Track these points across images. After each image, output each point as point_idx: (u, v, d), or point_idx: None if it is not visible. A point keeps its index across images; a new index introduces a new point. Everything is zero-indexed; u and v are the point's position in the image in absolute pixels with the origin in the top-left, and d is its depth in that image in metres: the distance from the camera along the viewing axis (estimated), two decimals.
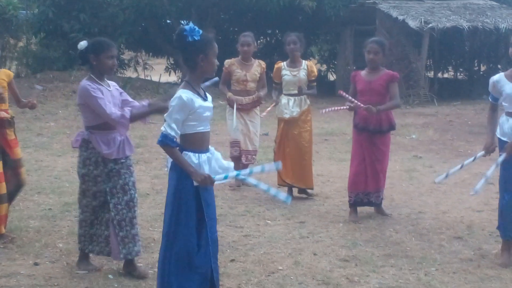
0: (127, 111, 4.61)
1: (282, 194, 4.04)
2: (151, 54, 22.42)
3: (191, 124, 3.86)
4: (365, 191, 6.54)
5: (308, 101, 7.45)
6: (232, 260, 5.22)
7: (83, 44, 4.75)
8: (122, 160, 4.77)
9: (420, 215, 6.69)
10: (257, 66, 7.92)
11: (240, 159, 7.90)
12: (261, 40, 22.10)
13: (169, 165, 3.98)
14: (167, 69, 22.54)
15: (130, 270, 4.87)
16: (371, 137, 6.44)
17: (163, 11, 19.17)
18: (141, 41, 21.01)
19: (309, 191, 7.54)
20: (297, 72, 7.35)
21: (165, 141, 3.81)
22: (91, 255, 5.06)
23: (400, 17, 17.99)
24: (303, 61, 7.50)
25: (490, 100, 5.58)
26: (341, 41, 20.69)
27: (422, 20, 17.77)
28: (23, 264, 5.10)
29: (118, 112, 4.59)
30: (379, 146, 6.49)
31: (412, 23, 17.67)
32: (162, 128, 3.82)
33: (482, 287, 4.70)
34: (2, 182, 5.50)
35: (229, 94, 7.79)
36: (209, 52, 3.90)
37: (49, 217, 6.38)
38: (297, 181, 7.40)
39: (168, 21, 21.34)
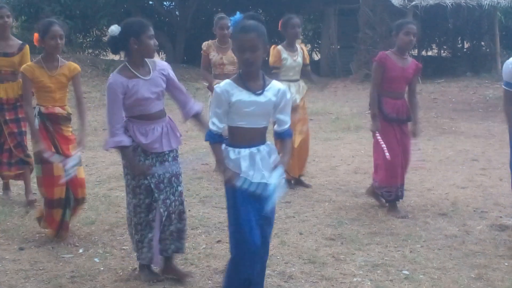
0: (119, 140, 4.15)
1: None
2: None
3: (231, 117, 3.66)
4: (399, 184, 6.01)
5: (306, 87, 7.23)
6: (219, 241, 5.22)
7: (115, 29, 4.24)
8: (166, 152, 4.33)
9: (405, 193, 6.71)
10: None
11: None
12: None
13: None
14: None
15: (169, 273, 4.46)
16: (401, 126, 5.97)
17: None
18: None
19: (303, 179, 7.24)
20: (296, 56, 7.02)
21: (207, 138, 3.68)
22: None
23: None
24: (297, 44, 7.18)
25: (506, 87, 5.30)
26: (324, 20, 20.67)
27: None
28: (8, 249, 5.06)
29: (116, 138, 4.16)
30: (408, 134, 6.04)
31: (396, 1, 17.67)
32: (209, 122, 3.69)
33: (467, 263, 4.74)
34: (57, 186, 5.11)
35: (213, 81, 7.33)
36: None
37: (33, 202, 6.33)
38: (299, 169, 7.09)
39: (150, 2, 21.19)
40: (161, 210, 4.28)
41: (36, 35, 5.19)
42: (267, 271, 4.25)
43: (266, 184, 3.63)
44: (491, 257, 4.86)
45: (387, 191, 5.97)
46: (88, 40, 22.49)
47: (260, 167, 3.65)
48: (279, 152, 3.81)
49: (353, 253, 4.96)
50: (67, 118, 5.25)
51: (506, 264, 4.74)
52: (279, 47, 7.00)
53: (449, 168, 7.90)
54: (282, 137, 3.84)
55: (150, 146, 4.24)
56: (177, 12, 22.00)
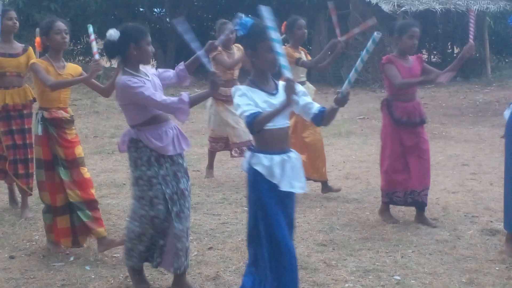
0: (184, 95, 4.04)
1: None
2: None
3: None
4: (409, 190, 5.81)
5: (314, 88, 7.09)
6: (210, 248, 5.22)
7: (113, 33, 4.14)
8: (179, 161, 4.25)
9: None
10: (238, 51, 7.51)
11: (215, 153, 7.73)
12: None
13: (245, 165, 3.69)
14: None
15: (179, 286, 4.36)
16: (414, 129, 5.76)
17: None
18: None
19: (330, 184, 7.02)
20: (304, 58, 6.80)
21: (249, 121, 3.46)
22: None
23: (374, 1, 18.06)
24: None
25: None
26: (315, 26, 20.70)
27: (395, 3, 17.86)
28: None
29: (172, 98, 4.07)
30: (424, 136, 5.83)
31: (386, 7, 17.74)
32: (243, 114, 3.50)
33: (458, 268, 4.75)
34: (60, 193, 5.09)
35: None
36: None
37: None
38: (314, 172, 6.84)
39: (141, 9, 21.19)
40: (175, 223, 4.18)
41: (38, 39, 5.11)
42: None
43: (293, 194, 3.67)
44: (482, 262, 4.87)
45: (384, 195, 5.95)
46: (78, 47, 22.46)
47: (290, 175, 3.59)
48: (329, 121, 3.71)
49: (345, 259, 4.96)
50: (70, 121, 5.14)
51: (497, 268, 4.75)
52: (289, 48, 6.75)
53: (440, 173, 7.92)
54: (322, 110, 3.68)
55: (166, 149, 4.15)
56: (167, 19, 22.00)
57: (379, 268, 4.74)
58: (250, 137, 7.21)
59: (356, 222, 5.97)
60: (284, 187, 3.57)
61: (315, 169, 6.81)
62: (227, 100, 7.36)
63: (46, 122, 5.04)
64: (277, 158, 3.57)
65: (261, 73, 3.64)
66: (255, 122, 3.46)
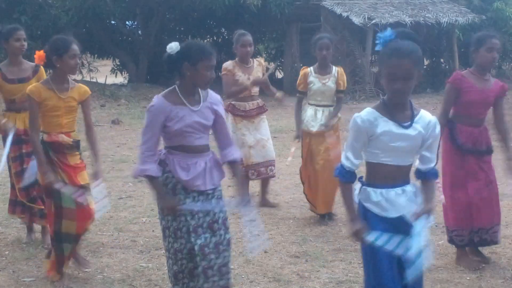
0: (147, 169, 3.68)
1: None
2: (96, 55, 22.11)
3: (373, 152, 3.14)
4: (475, 228, 5.02)
5: (339, 115, 6.53)
6: None
7: (174, 46, 3.73)
8: (209, 191, 3.84)
9: None
10: (258, 66, 6.89)
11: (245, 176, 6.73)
12: (208, 40, 22.05)
13: (355, 199, 3.27)
14: (113, 71, 22.29)
15: None
16: (480, 158, 5.02)
17: (107, 12, 18.95)
18: (85, 43, 20.68)
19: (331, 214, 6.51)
20: (327, 80, 6.36)
21: (337, 174, 3.18)
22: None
23: (344, 14, 18.23)
24: (333, 66, 6.46)
25: None
26: (287, 39, 20.83)
27: (366, 16, 18.06)
28: None
29: (143, 166, 3.70)
30: (491, 166, 5.09)
31: (356, 20, 17.93)
32: (342, 159, 3.17)
33: (429, 278, 4.78)
34: (69, 219, 4.65)
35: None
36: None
37: None
38: (324, 204, 6.39)
39: (113, 22, 21.10)
40: (197, 259, 3.75)
41: (41, 53, 4.70)
42: None
43: (408, 241, 3.05)
44: (453, 272, 4.93)
45: (458, 235, 5.07)
46: None
47: (406, 210, 3.14)
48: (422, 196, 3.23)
49: (318, 270, 4.97)
50: (73, 146, 4.72)
51: (467, 278, 4.80)
52: (309, 69, 6.45)
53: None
54: (426, 177, 3.27)
55: (191, 183, 3.75)
56: (139, 32, 21.95)
57: (352, 279, 4.76)
58: (270, 157, 6.85)
59: (329, 233, 5.99)
60: (394, 214, 3.15)
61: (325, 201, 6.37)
62: (246, 115, 6.79)
63: (46, 146, 4.66)
64: (387, 192, 3.16)
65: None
66: (340, 180, 3.17)
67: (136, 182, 8.09)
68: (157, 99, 3.73)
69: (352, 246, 5.54)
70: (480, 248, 5.21)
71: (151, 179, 3.73)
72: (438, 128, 3.18)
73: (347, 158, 3.14)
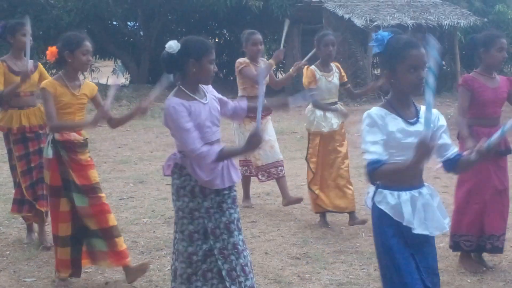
0: (215, 149, 3.65)
1: None
2: (98, 56, 22.14)
3: (387, 152, 3.04)
4: (486, 234, 4.99)
5: (345, 110, 6.48)
6: None
7: (174, 46, 3.68)
8: (226, 191, 3.80)
9: (369, 211, 6.75)
10: (264, 65, 6.83)
11: (250, 178, 6.90)
12: (210, 41, 22.05)
13: (369, 202, 3.28)
14: (114, 71, 22.32)
15: None
16: (497, 164, 4.95)
17: (108, 13, 18.99)
18: None
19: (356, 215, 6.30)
20: (331, 77, 6.31)
21: (371, 169, 2.99)
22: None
23: (346, 16, 18.23)
24: (331, 64, 6.43)
25: None
26: (288, 40, 20.83)
27: (368, 18, 18.06)
28: None
29: (203, 149, 3.61)
30: (506, 173, 5.04)
31: (358, 21, 17.93)
32: (364, 156, 3.05)
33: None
34: (64, 223, 4.66)
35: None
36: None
37: None
38: (339, 203, 6.27)
39: (114, 23, 21.14)
40: (219, 262, 3.70)
41: (53, 49, 4.62)
42: None
43: (429, 237, 3.13)
44: (454, 274, 4.92)
45: (467, 240, 5.02)
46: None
47: (422, 215, 3.08)
48: (461, 172, 3.20)
49: (319, 272, 4.98)
50: (83, 144, 4.71)
51: (468, 281, 4.80)
52: (312, 67, 6.29)
53: None
54: (457, 160, 3.14)
55: (211, 183, 3.70)
56: (141, 33, 21.99)
57: (353, 281, 4.76)
58: (278, 157, 6.78)
59: (330, 235, 5.99)
60: (416, 229, 3.07)
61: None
62: (255, 117, 6.67)
63: (57, 145, 4.61)
64: (405, 195, 3.09)
65: (402, 96, 3.12)
66: (375, 174, 3.02)
67: (137, 183, 8.11)
68: (171, 99, 3.67)
69: (353, 248, 5.55)
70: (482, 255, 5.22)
71: (221, 153, 3.66)
72: (442, 118, 3.18)
73: (374, 153, 2.99)
